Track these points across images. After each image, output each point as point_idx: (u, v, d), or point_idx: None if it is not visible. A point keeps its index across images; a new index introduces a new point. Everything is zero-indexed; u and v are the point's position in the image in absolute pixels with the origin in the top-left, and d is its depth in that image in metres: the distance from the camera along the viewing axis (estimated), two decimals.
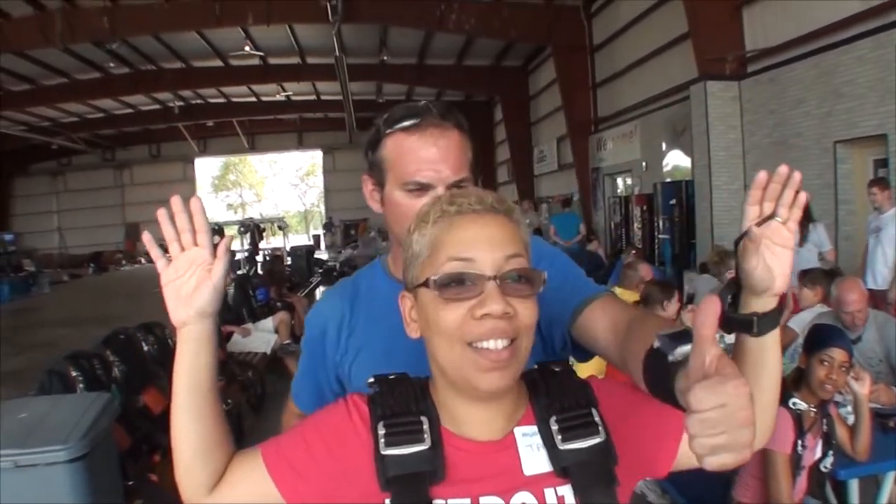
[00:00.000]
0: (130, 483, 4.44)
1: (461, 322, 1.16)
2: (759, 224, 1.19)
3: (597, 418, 1.21)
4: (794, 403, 3.45)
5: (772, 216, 1.20)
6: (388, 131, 1.66)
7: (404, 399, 1.24)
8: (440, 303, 1.18)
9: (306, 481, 1.24)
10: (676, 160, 16.57)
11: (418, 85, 30.05)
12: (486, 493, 1.17)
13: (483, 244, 1.18)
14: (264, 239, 29.26)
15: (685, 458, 1.27)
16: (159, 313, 1.85)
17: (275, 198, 57.07)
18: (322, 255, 31.59)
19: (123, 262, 40.55)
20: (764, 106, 12.70)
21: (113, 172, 43.86)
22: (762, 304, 1.22)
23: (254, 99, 34.16)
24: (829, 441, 3.57)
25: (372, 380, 1.30)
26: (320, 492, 1.23)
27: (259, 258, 23.02)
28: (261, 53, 24.86)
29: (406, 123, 1.62)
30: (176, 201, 1.34)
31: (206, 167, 50.98)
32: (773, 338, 1.24)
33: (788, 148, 11.99)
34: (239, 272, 10.90)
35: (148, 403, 5.28)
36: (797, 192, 1.19)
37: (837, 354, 3.48)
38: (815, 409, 3.50)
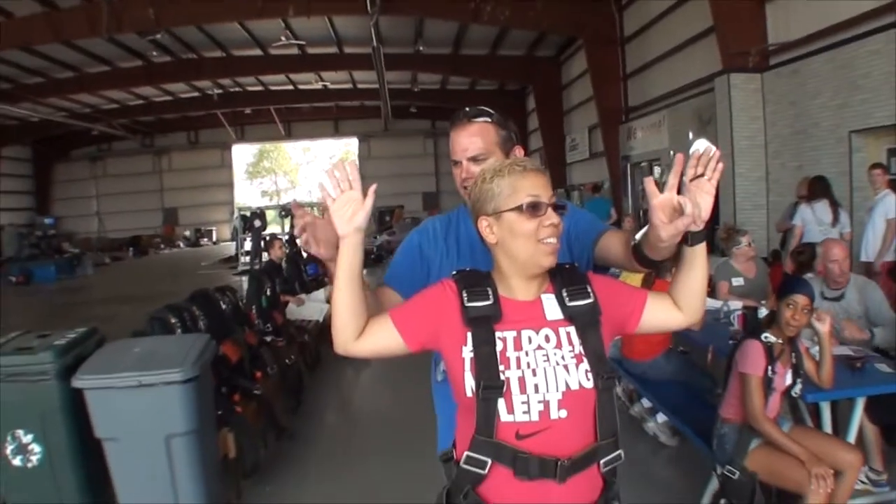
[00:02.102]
0: (220, 413, 5.21)
1: (536, 228, 2.04)
2: (692, 179, 2.02)
3: (589, 289, 2.11)
4: (765, 337, 4.29)
5: (702, 175, 2.02)
6: (449, 130, 2.69)
7: (477, 279, 2.14)
8: (524, 219, 2.04)
9: (419, 331, 2.11)
10: (700, 147, 17.06)
11: (453, 74, 30.75)
12: (524, 327, 2.06)
13: (542, 188, 2.07)
14: None
15: (647, 324, 2.19)
16: None
17: (308, 184, 57.49)
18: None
19: (162, 245, 41.34)
20: (785, 97, 13.25)
21: (152, 158, 44.58)
22: (694, 226, 2.00)
23: (291, 87, 34.65)
24: (797, 371, 4.35)
25: (455, 272, 2.18)
26: (429, 336, 2.11)
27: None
28: (300, 42, 25.39)
29: (452, 124, 2.67)
30: (339, 166, 2.09)
31: (242, 154, 51.34)
32: (701, 248, 2.08)
33: (807, 137, 12.53)
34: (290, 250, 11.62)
35: (227, 353, 6.04)
36: (717, 163, 2.05)
37: (800, 299, 4.28)
38: (783, 343, 4.31)
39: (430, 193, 44.10)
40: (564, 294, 2.10)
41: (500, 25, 22.75)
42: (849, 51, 11.42)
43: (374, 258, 27.27)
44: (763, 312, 5.59)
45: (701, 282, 2.14)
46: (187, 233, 43.82)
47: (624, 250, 2.30)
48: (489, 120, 2.61)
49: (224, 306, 6.90)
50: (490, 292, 2.08)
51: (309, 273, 11.69)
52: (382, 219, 37.06)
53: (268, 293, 8.67)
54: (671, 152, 18.81)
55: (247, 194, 52.79)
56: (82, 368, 4.29)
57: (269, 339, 7.88)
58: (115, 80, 28.36)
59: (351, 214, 2.03)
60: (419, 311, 2.14)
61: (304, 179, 58.39)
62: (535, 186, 2.06)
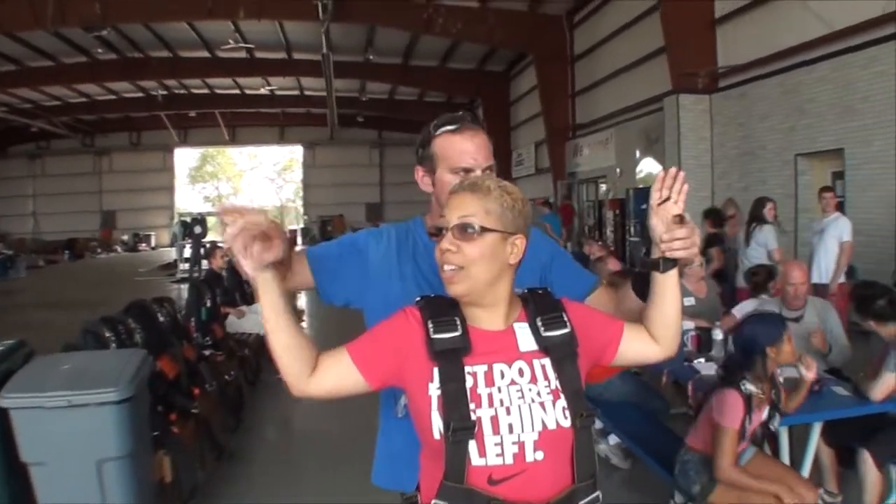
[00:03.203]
0: (155, 434, 4.97)
1: (440, 255, 1.93)
2: (659, 203, 1.93)
3: (565, 318, 1.95)
4: (745, 387, 4.02)
5: (668, 199, 1.93)
6: (436, 133, 2.38)
7: (443, 307, 1.95)
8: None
9: (380, 366, 1.92)
10: (649, 167, 17.25)
11: (402, 84, 30.66)
12: (496, 360, 1.88)
13: (455, 209, 1.91)
14: None
15: (623, 356, 2.06)
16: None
17: (251, 191, 57.01)
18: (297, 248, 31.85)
19: (99, 249, 40.22)
20: (733, 119, 13.44)
21: (92, 159, 43.57)
22: (661, 255, 1.94)
23: (238, 91, 34.47)
24: (776, 406, 4.18)
25: (419, 298, 2.00)
26: (392, 372, 1.93)
27: None
28: (249, 46, 25.25)
29: (451, 127, 2.35)
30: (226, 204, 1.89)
31: (184, 158, 50.59)
32: (673, 274, 1.97)
33: (754, 159, 12.70)
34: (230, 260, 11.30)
35: (164, 369, 5.79)
36: (683, 185, 1.94)
37: (786, 341, 4.11)
38: (763, 393, 4.08)
39: (373, 204, 43.81)
40: (539, 323, 1.94)
41: (451, 38, 22.72)
42: (796, 76, 11.63)
43: None
44: (717, 334, 5.56)
45: (676, 310, 2.03)
46: (125, 237, 42.90)
47: (622, 304, 2.26)
48: (483, 130, 2.42)
49: (162, 318, 6.59)
50: (458, 322, 1.91)
51: (250, 284, 11.38)
52: (324, 228, 36.87)
53: (207, 304, 8.40)
54: (617, 170, 18.96)
55: (188, 199, 51.81)
56: (8, 386, 4.00)
57: (208, 353, 7.60)
58: (57, 76, 27.87)
59: (259, 251, 1.77)
60: (380, 343, 1.95)
61: (247, 186, 57.81)
62: (449, 208, 1.94)
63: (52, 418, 3.94)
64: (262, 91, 33.23)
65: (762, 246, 8.84)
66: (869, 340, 5.21)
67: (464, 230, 1.88)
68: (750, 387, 4.03)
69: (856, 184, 10.48)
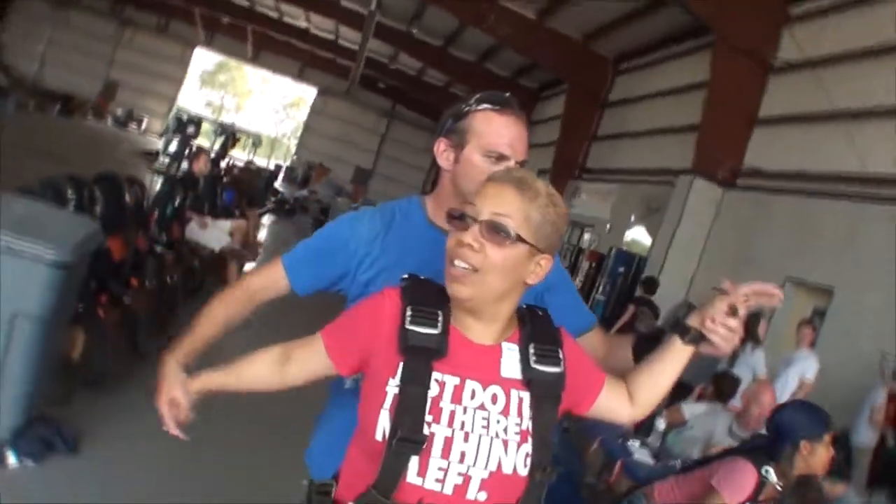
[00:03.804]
0: (80, 310, 4.75)
1: (453, 245, 1.70)
2: (729, 313, 1.76)
3: (561, 355, 1.73)
4: (766, 471, 3.58)
5: (736, 310, 1.75)
6: (477, 107, 2.12)
7: (428, 294, 1.72)
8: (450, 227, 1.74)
9: (350, 352, 1.74)
10: (639, 235, 17.15)
11: (434, 67, 30.48)
12: (471, 377, 1.65)
13: (490, 201, 1.68)
14: (235, 148, 29.22)
15: (596, 410, 1.86)
16: None
17: (253, 114, 56.62)
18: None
19: (90, 114, 39.73)
20: (738, 220, 13.33)
21: (115, 27, 42.37)
22: (699, 329, 1.79)
23: (276, 15, 34.04)
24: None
25: (406, 276, 1.77)
26: (361, 359, 1.72)
27: (224, 164, 22.97)
28: None
29: (495, 105, 2.10)
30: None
31: (202, 59, 50.01)
32: (690, 350, 1.82)
33: (744, 265, 12.59)
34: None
35: (112, 248, 5.56)
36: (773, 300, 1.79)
37: (825, 444, 3.64)
38: (782, 487, 3.59)
39: (363, 169, 43.09)
40: (531, 351, 1.71)
41: (497, 39, 22.41)
42: (814, 203, 11.53)
43: (287, 209, 26.81)
44: (660, 424, 5.44)
45: (670, 382, 1.87)
46: (119, 111, 42.20)
47: (611, 354, 2.16)
48: (525, 124, 2.19)
49: (127, 199, 6.37)
50: (440, 319, 1.67)
51: (225, 200, 11.13)
52: (307, 174, 36.55)
53: (176, 203, 8.19)
54: (608, 225, 18.86)
55: (192, 99, 51.35)
56: None
57: (159, 250, 7.38)
58: None
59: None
60: (350, 327, 1.77)
61: (250, 107, 57.34)
62: (484, 196, 1.69)
63: None
64: (300, 24, 32.83)
65: (749, 368, 8.67)
66: None
67: (496, 230, 1.64)
68: (771, 473, 3.58)
69: (835, 328, 10.31)
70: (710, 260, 13.79)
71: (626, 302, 13.26)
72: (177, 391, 1.96)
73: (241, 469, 5.05)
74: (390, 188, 37.69)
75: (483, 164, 2.06)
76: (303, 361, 1.80)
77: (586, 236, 20.89)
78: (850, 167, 10.95)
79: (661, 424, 5.47)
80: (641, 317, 11.36)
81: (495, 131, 2.08)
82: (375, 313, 1.71)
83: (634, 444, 5.30)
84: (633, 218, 17.60)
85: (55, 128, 28.05)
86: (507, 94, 2.16)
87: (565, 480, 5.63)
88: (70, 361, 4.75)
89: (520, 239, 1.64)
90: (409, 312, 1.66)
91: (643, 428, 5.52)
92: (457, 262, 1.65)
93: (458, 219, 1.69)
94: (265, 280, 2.23)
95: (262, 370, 1.84)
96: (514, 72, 27.83)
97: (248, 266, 10.59)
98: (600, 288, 16.73)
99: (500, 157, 2.06)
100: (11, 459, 4.01)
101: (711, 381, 7.17)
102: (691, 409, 6.11)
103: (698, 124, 14.53)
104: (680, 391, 7.35)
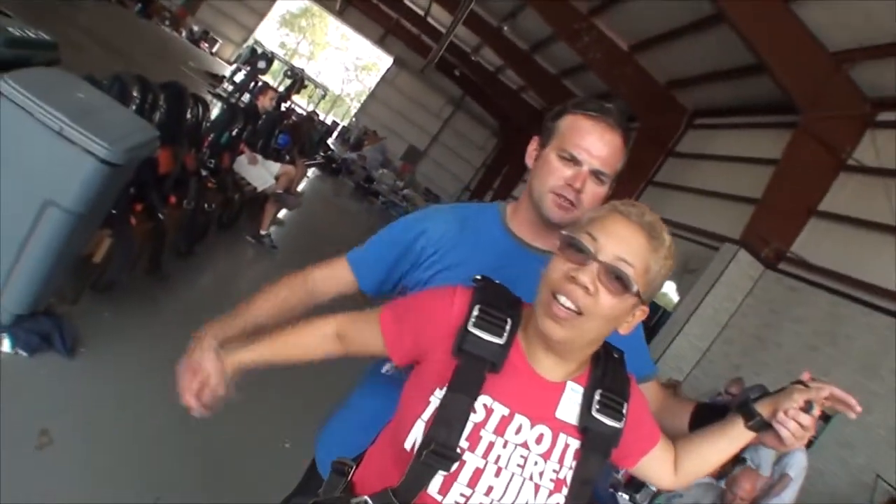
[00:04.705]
0: (112, 213, 4.65)
1: (561, 276, 1.55)
2: (804, 409, 1.65)
3: (625, 411, 1.60)
4: None
5: (811, 407, 1.64)
6: (573, 111, 2.07)
7: (501, 299, 1.59)
8: (556, 257, 1.59)
9: (408, 346, 1.63)
10: (668, 289, 16.93)
11: (514, 69, 30.04)
12: (522, 411, 1.53)
13: (616, 243, 1.56)
14: (299, 94, 29.21)
15: (639, 469, 1.75)
16: None
17: (324, 66, 56.67)
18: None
19: (168, 22, 39.78)
20: (770, 303, 13.08)
21: None
22: (768, 417, 1.68)
23: None
24: None
25: (479, 277, 1.64)
26: (417, 355, 1.61)
27: (284, 107, 22.91)
28: None
29: (589, 111, 2.04)
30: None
31: (288, 1, 50.32)
32: (748, 436, 1.72)
33: (763, 349, 12.40)
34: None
35: (161, 160, 5.49)
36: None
37: None
38: None
39: (415, 149, 42.98)
40: (596, 398, 1.58)
41: (584, 60, 22.00)
42: (850, 308, 11.29)
43: (334, 168, 26.73)
44: (652, 486, 5.29)
45: (720, 462, 1.79)
46: (196, 28, 42.27)
47: (664, 415, 2.01)
48: (623, 139, 2.10)
49: (189, 115, 6.29)
50: (507, 329, 1.54)
51: (279, 142, 11.08)
52: (360, 138, 36.47)
53: (233, 133, 8.11)
54: None
55: (268, 36, 51.34)
56: (15, 73, 3.66)
57: (204, 174, 7.30)
58: None
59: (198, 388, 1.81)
60: (411, 317, 1.65)
61: (323, 59, 57.39)
62: (609, 234, 1.53)
63: (32, 131, 3.61)
64: None
65: (755, 466, 8.49)
66: None
67: (616, 279, 1.50)
68: None
69: (836, 437, 10.09)
70: (730, 335, 13.56)
71: None
72: (210, 366, 1.81)
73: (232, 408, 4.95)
74: (438, 174, 37.58)
75: (555, 163, 2.03)
76: (359, 343, 1.73)
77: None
78: (889, 284, 10.77)
79: (652, 486, 5.34)
80: None
81: (577, 134, 2.03)
82: (440, 308, 1.60)
83: (624, 498, 5.19)
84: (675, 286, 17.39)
85: (130, 26, 27.94)
86: (609, 105, 2.08)
87: None
88: (89, 262, 4.66)
89: (636, 293, 1.52)
90: (475, 312, 1.53)
91: (634, 483, 5.40)
92: (563, 300, 1.49)
93: (574, 248, 1.53)
94: (328, 272, 2.14)
95: (314, 345, 1.75)
96: (590, 96, 27.33)
97: (283, 213, 10.55)
98: None
99: (573, 160, 2.02)
100: (6, 346, 3.94)
101: None
102: None
103: (757, 198, 14.32)
104: None
